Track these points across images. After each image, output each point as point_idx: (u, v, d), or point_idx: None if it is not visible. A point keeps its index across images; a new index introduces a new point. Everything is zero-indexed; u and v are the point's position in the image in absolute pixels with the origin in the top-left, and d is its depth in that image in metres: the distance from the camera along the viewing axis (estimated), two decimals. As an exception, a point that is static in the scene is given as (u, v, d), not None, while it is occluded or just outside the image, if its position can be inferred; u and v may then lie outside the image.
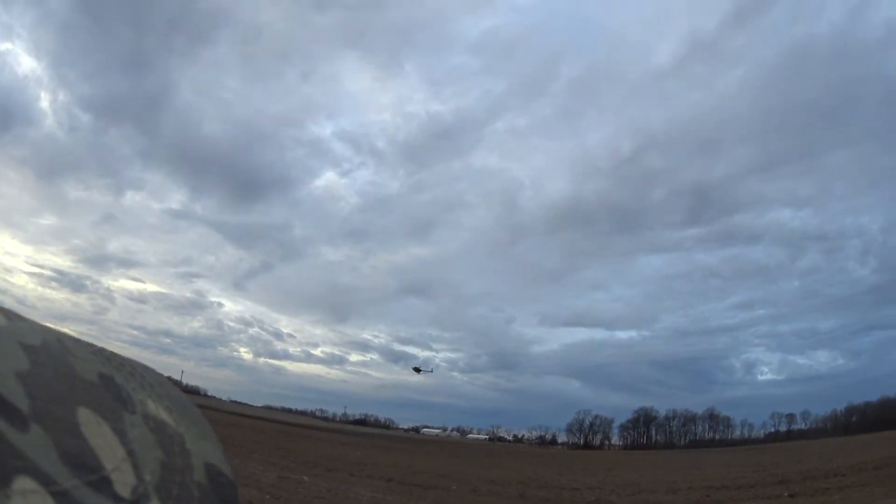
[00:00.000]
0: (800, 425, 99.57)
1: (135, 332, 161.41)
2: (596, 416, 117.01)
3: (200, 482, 0.48)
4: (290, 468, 23.79)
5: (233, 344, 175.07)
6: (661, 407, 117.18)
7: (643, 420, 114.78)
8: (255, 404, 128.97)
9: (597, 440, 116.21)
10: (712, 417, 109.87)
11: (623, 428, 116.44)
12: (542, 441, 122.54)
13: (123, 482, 0.41)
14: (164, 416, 0.51)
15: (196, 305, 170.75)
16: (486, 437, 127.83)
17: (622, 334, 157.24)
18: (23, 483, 0.34)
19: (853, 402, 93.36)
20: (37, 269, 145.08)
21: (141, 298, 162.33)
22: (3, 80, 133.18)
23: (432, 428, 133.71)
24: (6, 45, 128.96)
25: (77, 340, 0.50)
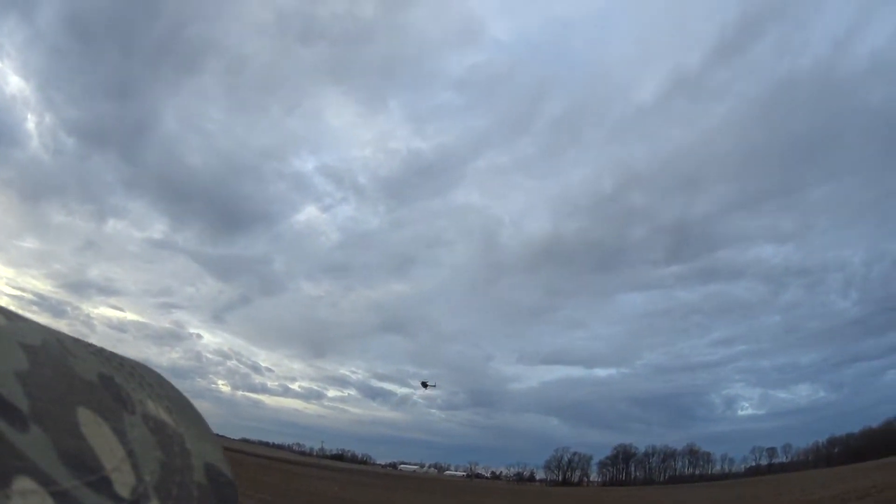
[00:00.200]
0: (781, 459, 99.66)
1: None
2: (574, 453, 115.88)
3: (200, 482, 0.48)
4: (268, 502, 22.79)
5: (211, 376, 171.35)
6: (641, 443, 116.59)
7: (622, 456, 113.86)
8: (232, 437, 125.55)
9: (575, 477, 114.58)
10: (692, 453, 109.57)
11: (602, 464, 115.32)
12: (520, 478, 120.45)
13: (123, 482, 0.41)
14: (163, 416, 0.50)
15: (175, 336, 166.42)
16: (464, 473, 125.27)
17: (601, 372, 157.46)
18: (22, 483, 0.34)
19: (835, 433, 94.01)
20: (17, 293, 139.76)
21: (120, 327, 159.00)
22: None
23: (409, 464, 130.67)
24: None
25: (76, 340, 0.50)
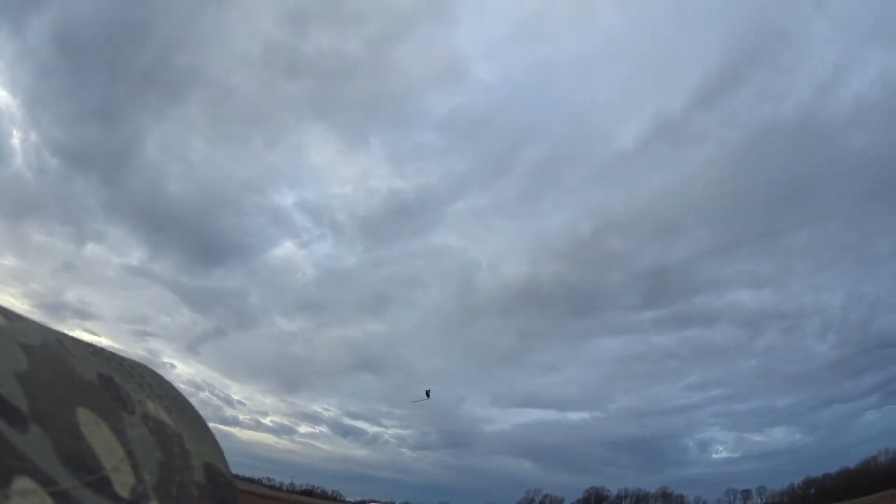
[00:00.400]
0: (756, 501, 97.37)
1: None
2: (546, 495, 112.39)
3: (199, 482, 0.48)
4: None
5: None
6: (613, 486, 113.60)
7: (594, 499, 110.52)
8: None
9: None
10: (665, 496, 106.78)
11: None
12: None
13: (123, 482, 0.41)
14: (163, 416, 0.50)
15: (149, 364, 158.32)
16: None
17: (574, 415, 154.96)
18: (22, 483, 0.34)
19: (811, 475, 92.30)
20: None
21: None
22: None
23: (379, 502, 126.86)
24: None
25: (76, 340, 0.50)
